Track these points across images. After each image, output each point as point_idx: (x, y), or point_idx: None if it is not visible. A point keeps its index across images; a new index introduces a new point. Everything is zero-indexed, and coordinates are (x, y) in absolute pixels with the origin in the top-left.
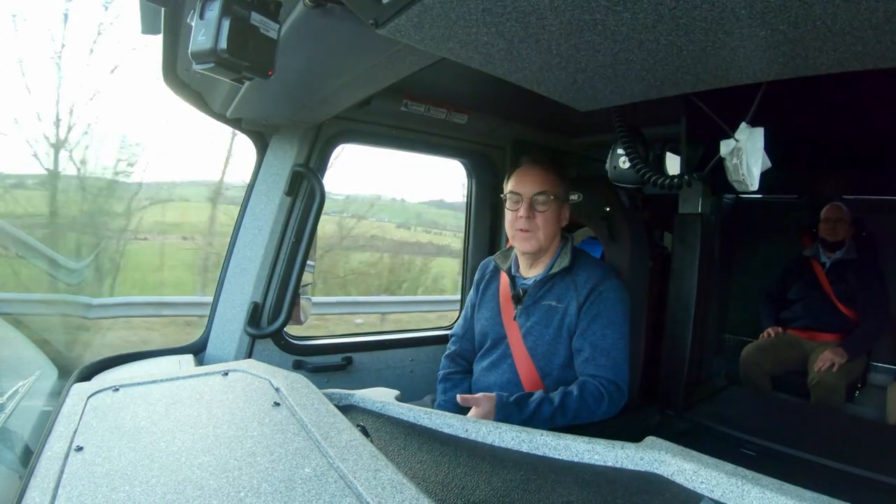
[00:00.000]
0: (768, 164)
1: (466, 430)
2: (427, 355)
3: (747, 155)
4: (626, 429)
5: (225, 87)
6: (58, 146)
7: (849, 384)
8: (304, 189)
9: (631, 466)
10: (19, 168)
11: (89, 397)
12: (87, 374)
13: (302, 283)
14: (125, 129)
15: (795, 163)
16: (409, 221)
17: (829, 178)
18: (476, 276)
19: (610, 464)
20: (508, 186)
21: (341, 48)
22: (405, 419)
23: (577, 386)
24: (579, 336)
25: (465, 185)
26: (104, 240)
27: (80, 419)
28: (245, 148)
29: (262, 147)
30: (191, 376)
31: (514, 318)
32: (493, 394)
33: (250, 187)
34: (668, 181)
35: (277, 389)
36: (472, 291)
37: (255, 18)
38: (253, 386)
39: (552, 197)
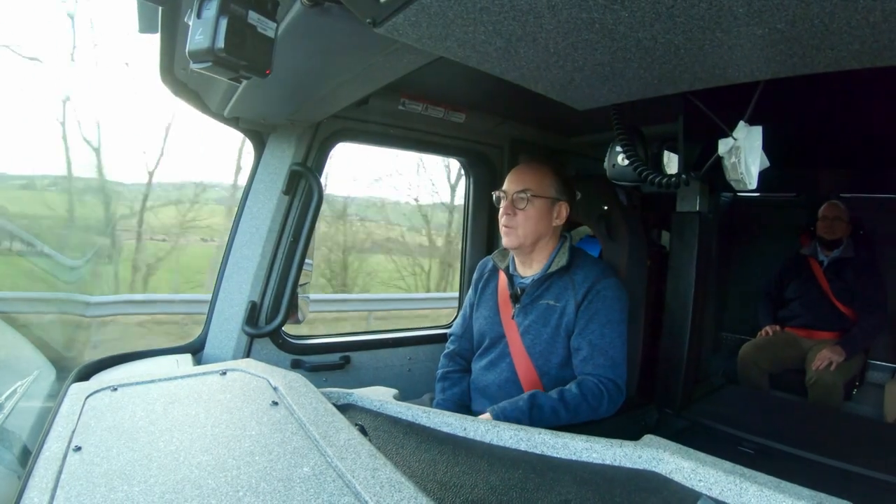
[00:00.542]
0: (766, 162)
1: (465, 429)
2: (425, 354)
3: (745, 153)
4: (624, 427)
5: (222, 87)
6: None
7: (847, 382)
8: (302, 188)
9: (629, 465)
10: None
11: (87, 397)
12: (86, 374)
13: (300, 282)
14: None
15: (793, 161)
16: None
17: (827, 176)
18: (475, 276)
19: (608, 462)
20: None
21: (339, 47)
22: (403, 418)
23: (576, 384)
24: (577, 335)
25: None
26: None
27: (79, 419)
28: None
29: (259, 146)
30: (189, 376)
31: (513, 317)
32: (487, 413)
33: (248, 186)
34: (665, 180)
35: (275, 389)
36: (470, 290)
37: (253, 17)
38: (251, 385)
39: (532, 195)
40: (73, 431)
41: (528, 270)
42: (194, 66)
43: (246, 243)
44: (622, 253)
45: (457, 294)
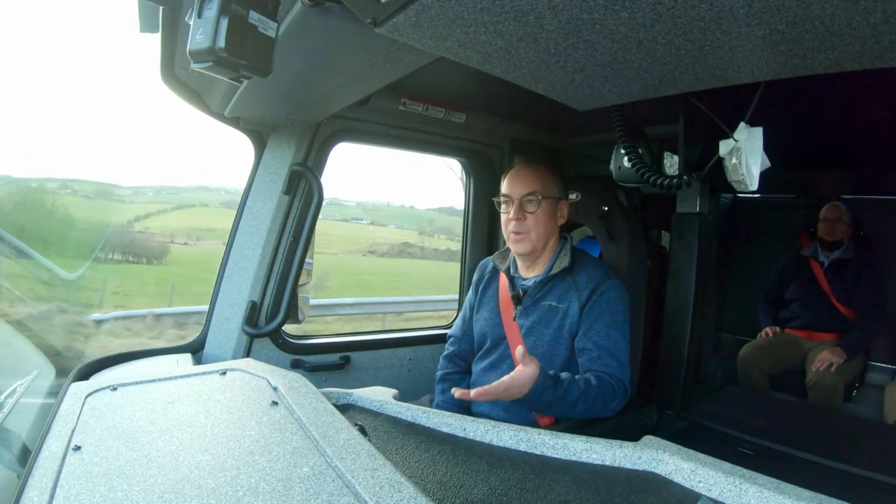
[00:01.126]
0: (767, 163)
1: (464, 430)
2: (425, 354)
3: (746, 155)
4: (623, 428)
5: (223, 86)
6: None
7: (846, 384)
8: (303, 188)
9: (628, 465)
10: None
11: (87, 396)
12: (85, 374)
13: (300, 282)
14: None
15: (794, 162)
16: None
17: (828, 177)
18: (475, 277)
19: (608, 463)
20: (501, 189)
21: (339, 47)
22: (403, 418)
23: (595, 377)
24: (582, 336)
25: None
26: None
27: (79, 418)
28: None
29: (260, 146)
30: (189, 375)
31: (514, 319)
32: (537, 363)
33: (248, 186)
34: (667, 181)
35: (275, 388)
36: (470, 292)
37: (254, 17)
38: (251, 385)
39: (541, 197)
40: (73, 431)
41: (531, 272)
42: (195, 66)
43: (246, 243)
44: (622, 253)
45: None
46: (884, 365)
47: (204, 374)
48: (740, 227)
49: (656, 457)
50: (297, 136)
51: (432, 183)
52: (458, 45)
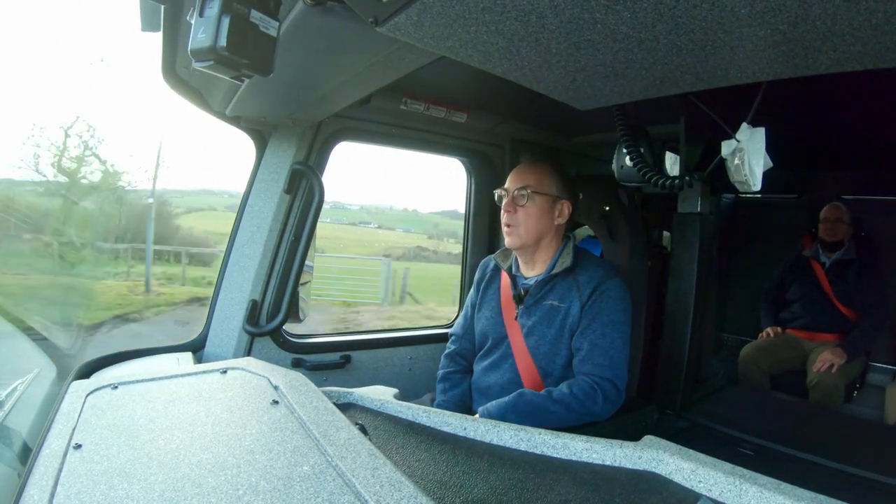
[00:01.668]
0: (769, 163)
1: (465, 429)
2: (426, 354)
3: (749, 155)
4: (624, 428)
5: (224, 85)
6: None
7: (847, 384)
8: (304, 187)
9: (629, 465)
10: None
11: (88, 395)
12: (86, 372)
13: (301, 282)
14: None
15: (795, 162)
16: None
17: (829, 178)
18: (476, 276)
19: (608, 462)
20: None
21: (341, 46)
22: (404, 417)
23: (567, 384)
24: (580, 335)
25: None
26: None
27: (79, 417)
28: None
29: (261, 145)
30: (189, 374)
31: (516, 318)
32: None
33: (249, 185)
34: (669, 182)
35: (276, 387)
36: (472, 291)
37: (255, 16)
38: (251, 384)
39: (533, 192)
40: (74, 429)
41: (532, 271)
42: (196, 65)
43: (247, 242)
44: (623, 253)
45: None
46: (885, 366)
47: (205, 372)
48: (741, 227)
49: (657, 457)
50: (298, 135)
51: (434, 186)
52: (459, 45)
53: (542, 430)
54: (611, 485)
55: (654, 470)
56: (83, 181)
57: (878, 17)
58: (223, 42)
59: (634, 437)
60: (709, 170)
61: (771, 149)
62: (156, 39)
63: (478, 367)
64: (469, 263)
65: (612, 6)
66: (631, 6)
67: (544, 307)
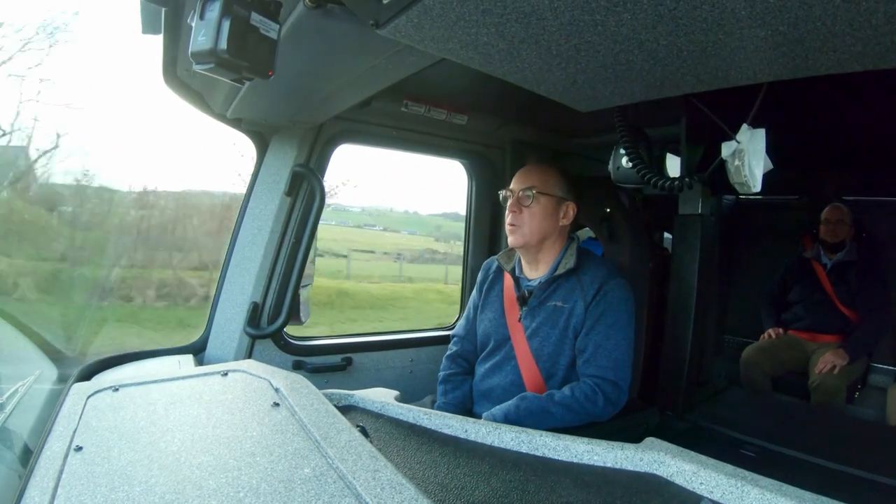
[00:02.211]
0: (770, 165)
1: (466, 431)
2: (427, 355)
3: (749, 156)
4: (625, 430)
5: (225, 88)
6: None
7: (849, 386)
8: (305, 189)
9: (630, 467)
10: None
11: (89, 397)
12: (87, 374)
13: (302, 284)
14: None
15: (796, 164)
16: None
17: (830, 179)
18: (479, 277)
19: (609, 464)
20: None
21: (341, 49)
22: (405, 420)
23: (569, 387)
24: (584, 336)
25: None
26: None
27: (80, 419)
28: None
29: (262, 147)
30: (190, 376)
31: (519, 320)
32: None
33: (250, 187)
34: (669, 183)
35: (277, 390)
36: (474, 292)
37: (256, 19)
38: (252, 386)
39: (538, 192)
40: (75, 431)
41: (535, 272)
42: (197, 68)
43: (248, 244)
44: (624, 255)
45: None
46: (886, 367)
47: (205, 374)
48: (742, 228)
49: (658, 458)
50: (299, 137)
51: (434, 188)
52: (459, 47)
53: (544, 432)
54: (612, 487)
55: (655, 472)
56: None
57: (879, 17)
58: (224, 45)
59: (636, 438)
60: (709, 171)
61: (771, 150)
62: (156, 42)
63: (480, 369)
64: (470, 265)
65: (612, 8)
66: (631, 8)
67: (548, 308)
